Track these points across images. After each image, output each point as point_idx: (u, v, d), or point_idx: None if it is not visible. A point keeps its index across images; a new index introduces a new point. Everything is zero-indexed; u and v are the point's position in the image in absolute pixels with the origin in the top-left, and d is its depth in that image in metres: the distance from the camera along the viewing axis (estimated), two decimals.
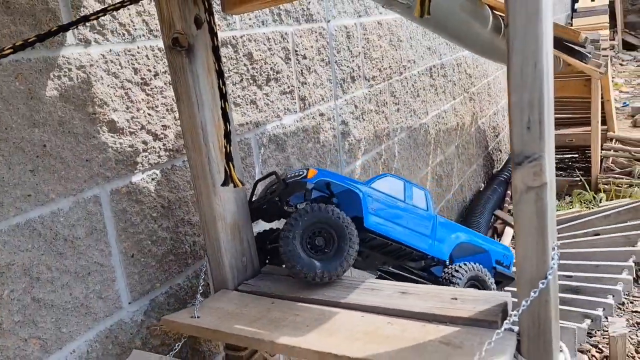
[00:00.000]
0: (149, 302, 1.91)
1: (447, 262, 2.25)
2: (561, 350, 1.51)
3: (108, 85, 1.76)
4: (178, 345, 1.65)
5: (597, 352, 3.34)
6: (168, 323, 1.64)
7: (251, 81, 2.45)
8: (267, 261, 2.10)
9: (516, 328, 1.41)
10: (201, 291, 1.74)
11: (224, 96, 1.68)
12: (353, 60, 3.37)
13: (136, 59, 1.86)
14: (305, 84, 2.87)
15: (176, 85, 1.71)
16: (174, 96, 1.74)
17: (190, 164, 1.78)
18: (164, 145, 1.97)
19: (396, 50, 4.00)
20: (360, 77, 3.47)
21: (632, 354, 3.25)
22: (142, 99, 1.88)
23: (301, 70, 2.83)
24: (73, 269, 1.64)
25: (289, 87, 2.72)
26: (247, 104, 2.42)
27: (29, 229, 1.53)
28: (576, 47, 3.18)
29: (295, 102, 2.77)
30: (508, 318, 1.36)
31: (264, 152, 2.55)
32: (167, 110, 1.98)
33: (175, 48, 1.66)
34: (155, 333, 1.91)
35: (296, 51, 2.77)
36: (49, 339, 1.57)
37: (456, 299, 1.57)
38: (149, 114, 1.91)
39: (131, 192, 1.84)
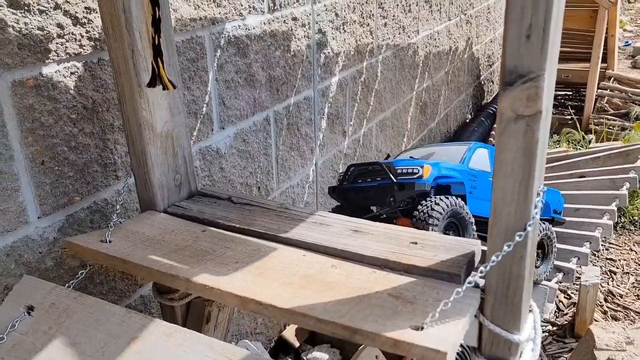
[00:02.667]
0: (66, 218, 1.64)
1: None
2: (531, 310, 1.29)
3: None
4: (82, 273, 1.40)
5: (565, 297, 3.22)
6: (71, 246, 1.38)
7: None
8: None
9: (482, 282, 1.18)
10: (118, 211, 1.47)
11: None
12: None
13: None
14: None
15: None
16: None
17: (111, 57, 1.45)
18: (87, 32, 1.62)
19: None
20: None
21: (600, 302, 3.13)
22: None
23: None
24: None
25: None
26: None
27: None
28: None
29: (263, 1, 2.39)
30: (473, 273, 1.12)
31: (221, 56, 2.20)
32: None
33: None
34: (72, 253, 1.66)
35: None
36: None
37: (416, 243, 1.33)
38: None
39: (41, 86, 1.51)
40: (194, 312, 1.65)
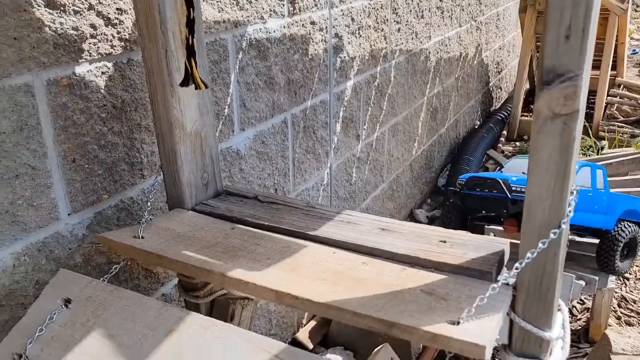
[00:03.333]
0: (94, 215, 1.66)
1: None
2: (559, 310, 1.30)
3: None
4: (115, 268, 1.42)
5: (579, 303, 3.22)
6: (106, 241, 1.40)
7: None
8: None
9: (512, 281, 1.19)
10: (149, 208, 1.49)
11: None
12: None
13: None
14: None
15: None
16: None
17: (144, 57, 1.48)
18: (118, 33, 1.64)
19: None
20: None
21: (614, 307, 3.14)
22: None
23: None
24: None
25: None
26: None
27: None
28: None
29: (283, 5, 2.42)
30: (507, 271, 1.14)
31: (242, 58, 2.23)
32: None
33: None
34: (100, 250, 1.68)
35: None
36: None
37: (445, 241, 1.34)
38: None
39: (74, 85, 1.54)
40: (218, 310, 1.67)
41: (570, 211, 1.08)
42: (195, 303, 1.62)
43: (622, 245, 3.04)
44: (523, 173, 3.50)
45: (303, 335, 3.02)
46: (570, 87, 0.98)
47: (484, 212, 3.02)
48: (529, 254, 1.08)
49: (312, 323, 3.14)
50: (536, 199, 1.07)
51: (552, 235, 1.07)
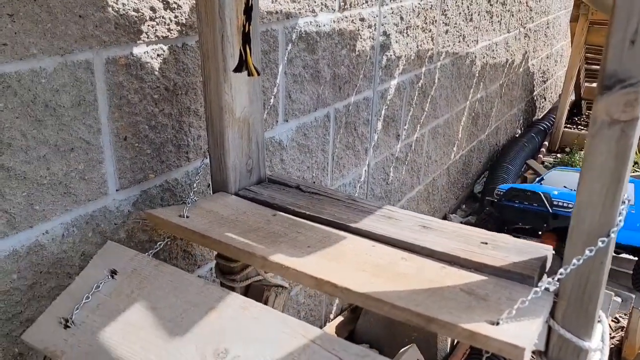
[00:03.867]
0: (140, 193, 1.71)
1: None
2: (599, 321, 1.28)
3: None
4: (160, 244, 1.46)
5: (613, 321, 3.14)
6: (152, 218, 1.44)
7: None
8: None
9: (553, 288, 1.18)
10: (195, 189, 1.53)
11: None
12: None
13: None
14: None
15: None
16: None
17: (200, 41, 1.51)
18: (175, 17, 1.69)
19: None
20: None
21: None
22: None
23: None
24: (53, 141, 1.43)
25: None
26: None
27: (1, 85, 1.29)
28: None
29: None
30: (551, 276, 1.12)
31: (291, 50, 2.25)
32: None
33: None
34: (143, 227, 1.73)
35: None
36: (17, 214, 1.38)
37: (486, 243, 1.33)
38: None
39: (131, 65, 1.59)
40: (253, 295, 1.69)
41: (620, 220, 1.06)
42: (230, 286, 1.65)
43: None
44: (564, 187, 3.45)
45: (329, 330, 3.04)
46: (632, 93, 0.96)
47: (522, 224, 3.00)
48: (574, 261, 1.06)
49: (339, 319, 3.15)
50: (586, 205, 1.05)
51: (600, 244, 1.05)
